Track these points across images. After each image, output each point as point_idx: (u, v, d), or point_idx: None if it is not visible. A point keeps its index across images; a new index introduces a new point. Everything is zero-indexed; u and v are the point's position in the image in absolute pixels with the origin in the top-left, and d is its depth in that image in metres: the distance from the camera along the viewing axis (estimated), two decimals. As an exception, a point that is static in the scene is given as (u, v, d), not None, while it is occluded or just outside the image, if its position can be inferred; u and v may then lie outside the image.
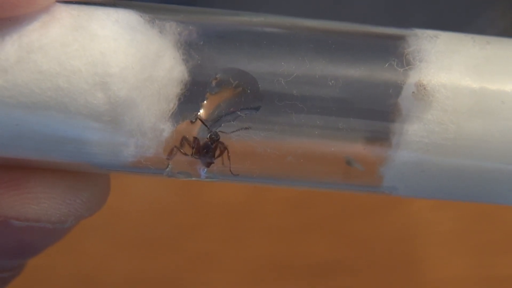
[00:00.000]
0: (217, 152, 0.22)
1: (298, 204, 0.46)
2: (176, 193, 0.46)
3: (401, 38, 0.22)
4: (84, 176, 0.23)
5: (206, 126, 0.21)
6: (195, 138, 0.22)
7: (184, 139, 0.21)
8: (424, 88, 0.21)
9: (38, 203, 0.22)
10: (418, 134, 0.21)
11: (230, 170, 0.22)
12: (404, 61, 0.21)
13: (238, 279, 0.44)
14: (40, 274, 0.43)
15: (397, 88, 0.21)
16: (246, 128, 0.21)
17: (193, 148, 0.22)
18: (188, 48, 0.21)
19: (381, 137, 0.22)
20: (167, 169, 0.22)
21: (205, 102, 0.21)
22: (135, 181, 0.46)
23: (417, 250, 0.45)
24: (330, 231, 0.45)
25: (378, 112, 0.22)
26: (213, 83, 0.21)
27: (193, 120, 0.21)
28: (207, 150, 0.22)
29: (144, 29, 0.21)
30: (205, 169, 0.22)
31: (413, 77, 0.21)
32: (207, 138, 0.21)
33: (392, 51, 0.22)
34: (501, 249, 0.45)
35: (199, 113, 0.21)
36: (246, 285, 0.44)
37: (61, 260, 0.44)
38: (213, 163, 0.22)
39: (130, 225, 0.45)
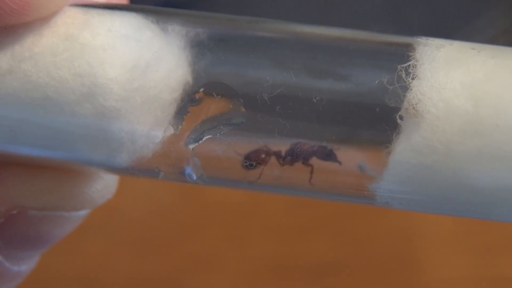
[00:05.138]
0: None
1: (298, 204, 0.46)
2: (176, 193, 0.46)
3: (400, 49, 0.21)
4: None
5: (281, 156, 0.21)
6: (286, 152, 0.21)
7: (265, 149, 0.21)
8: (414, 107, 0.20)
9: (55, 192, 0.23)
10: (406, 155, 0.20)
11: (310, 182, 0.22)
12: (396, 79, 0.20)
13: (238, 279, 0.44)
14: (40, 274, 0.43)
15: (385, 107, 0.20)
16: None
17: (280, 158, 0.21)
18: (190, 51, 0.21)
19: (368, 156, 0.21)
20: (161, 174, 0.22)
21: (187, 115, 0.21)
22: (135, 181, 0.45)
23: (417, 250, 0.45)
24: (330, 231, 0.45)
25: (364, 132, 0.21)
26: (196, 96, 0.21)
27: (177, 132, 0.21)
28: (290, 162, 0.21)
29: (140, 36, 0.21)
30: (193, 175, 0.22)
31: (403, 96, 0.20)
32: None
33: (385, 66, 0.21)
34: (501, 249, 0.45)
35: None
36: (246, 285, 0.44)
37: (61, 260, 0.44)
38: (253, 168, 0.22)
39: (130, 225, 0.45)
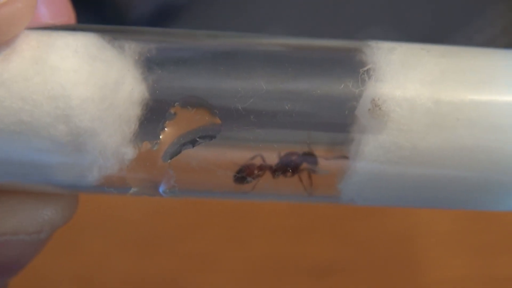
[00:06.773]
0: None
1: (297, 204, 0.46)
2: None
3: (358, 54, 0.22)
4: None
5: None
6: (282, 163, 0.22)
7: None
8: (379, 108, 0.21)
9: (14, 215, 0.23)
10: (374, 154, 0.21)
11: (310, 189, 0.22)
12: (360, 82, 0.21)
13: (237, 279, 0.44)
14: (40, 274, 0.43)
15: (353, 109, 0.21)
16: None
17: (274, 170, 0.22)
18: (148, 66, 0.21)
19: (337, 157, 0.22)
20: (132, 189, 0.22)
21: (164, 130, 0.22)
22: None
23: (417, 250, 0.45)
24: (330, 232, 0.45)
25: (335, 135, 0.22)
26: (172, 111, 0.21)
27: (154, 148, 0.21)
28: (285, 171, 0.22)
29: (104, 55, 0.21)
30: (166, 189, 0.22)
31: (368, 98, 0.21)
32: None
33: (348, 71, 0.22)
34: (501, 249, 0.45)
35: None
36: (245, 285, 0.44)
37: (60, 260, 0.44)
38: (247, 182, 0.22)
39: (129, 225, 0.45)
